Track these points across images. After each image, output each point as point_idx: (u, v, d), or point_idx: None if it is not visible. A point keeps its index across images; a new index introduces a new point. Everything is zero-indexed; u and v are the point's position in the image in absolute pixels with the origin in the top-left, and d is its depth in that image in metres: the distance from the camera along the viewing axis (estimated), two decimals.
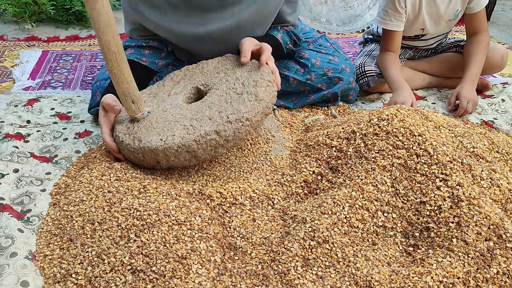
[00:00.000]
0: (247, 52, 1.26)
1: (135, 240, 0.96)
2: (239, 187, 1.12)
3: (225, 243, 1.01)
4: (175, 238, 0.97)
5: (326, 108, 1.66)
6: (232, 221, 1.06)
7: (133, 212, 1.02)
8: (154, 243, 0.95)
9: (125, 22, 1.51)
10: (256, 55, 1.30)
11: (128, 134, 1.18)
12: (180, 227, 0.99)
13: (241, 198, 1.10)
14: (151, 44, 1.48)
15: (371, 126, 1.20)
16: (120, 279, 0.90)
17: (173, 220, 1.00)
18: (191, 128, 1.12)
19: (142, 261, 0.92)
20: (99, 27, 1.06)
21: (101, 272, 0.92)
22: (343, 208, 1.04)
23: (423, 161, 1.11)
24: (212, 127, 1.11)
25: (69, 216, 1.06)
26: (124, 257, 0.93)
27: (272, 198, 1.13)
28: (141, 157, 1.16)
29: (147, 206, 1.03)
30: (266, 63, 1.26)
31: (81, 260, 0.95)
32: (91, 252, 0.96)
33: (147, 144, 1.13)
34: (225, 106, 1.16)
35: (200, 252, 0.95)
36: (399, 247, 1.03)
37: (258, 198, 1.12)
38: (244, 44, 1.28)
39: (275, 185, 1.16)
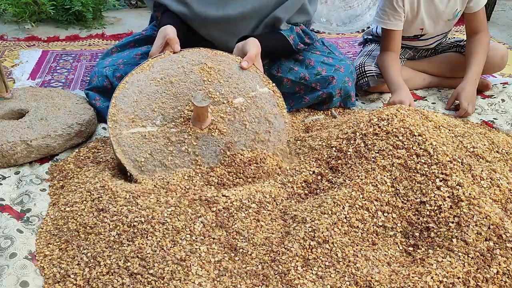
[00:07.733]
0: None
1: (128, 245, 0.95)
2: (243, 190, 1.10)
3: (226, 244, 1.00)
4: (172, 243, 0.96)
5: (325, 108, 1.65)
6: (235, 223, 1.04)
7: (122, 218, 1.00)
8: (150, 246, 0.94)
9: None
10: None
11: None
12: (178, 233, 0.98)
13: (245, 200, 1.08)
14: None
15: (371, 126, 1.19)
16: (118, 281, 0.89)
17: (171, 225, 0.99)
18: None
19: (139, 264, 0.91)
20: None
21: (98, 274, 0.91)
22: (343, 208, 1.04)
23: (423, 161, 1.10)
24: None
25: (65, 218, 1.06)
26: (120, 260, 0.92)
27: (275, 198, 1.12)
28: None
29: (139, 212, 1.00)
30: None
31: (78, 261, 0.95)
32: (87, 254, 0.95)
33: None
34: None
35: (200, 254, 0.94)
36: (399, 247, 1.03)
37: (261, 199, 1.11)
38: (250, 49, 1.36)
39: (277, 186, 1.15)
